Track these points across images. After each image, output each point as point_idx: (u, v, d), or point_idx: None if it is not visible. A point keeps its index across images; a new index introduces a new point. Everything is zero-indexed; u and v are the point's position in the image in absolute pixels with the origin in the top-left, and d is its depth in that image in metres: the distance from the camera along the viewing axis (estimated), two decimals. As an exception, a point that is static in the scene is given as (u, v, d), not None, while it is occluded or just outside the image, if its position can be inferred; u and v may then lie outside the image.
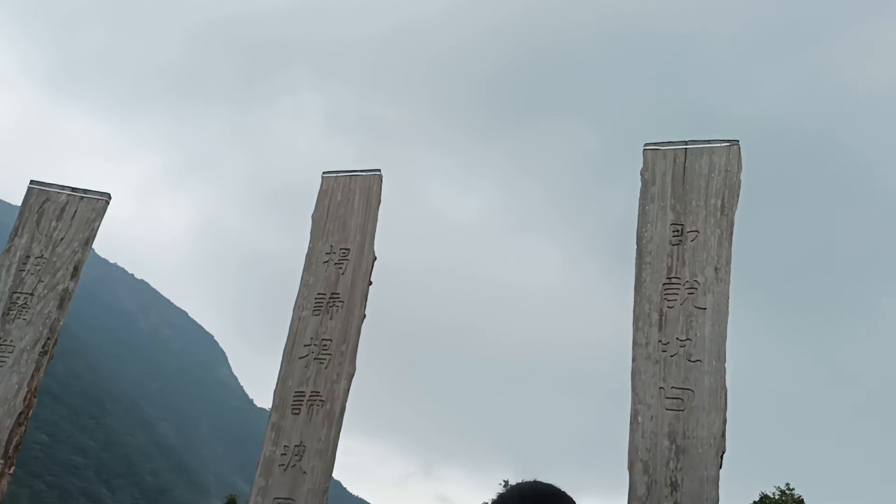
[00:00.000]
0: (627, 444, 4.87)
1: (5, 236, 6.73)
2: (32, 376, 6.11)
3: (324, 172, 6.55)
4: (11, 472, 5.98)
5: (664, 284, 5.18)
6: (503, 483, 29.24)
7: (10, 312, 6.27)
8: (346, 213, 6.31)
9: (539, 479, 2.38)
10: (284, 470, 5.52)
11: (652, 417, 4.85)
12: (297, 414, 5.66)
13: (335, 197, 6.38)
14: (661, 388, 4.90)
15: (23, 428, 6.03)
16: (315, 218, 6.37)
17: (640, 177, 5.57)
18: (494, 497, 2.46)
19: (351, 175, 6.45)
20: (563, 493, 2.30)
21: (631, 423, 4.89)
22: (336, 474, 5.60)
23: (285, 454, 5.56)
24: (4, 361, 6.07)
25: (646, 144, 5.68)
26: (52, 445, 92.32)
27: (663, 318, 5.09)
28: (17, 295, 6.33)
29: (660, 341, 5.03)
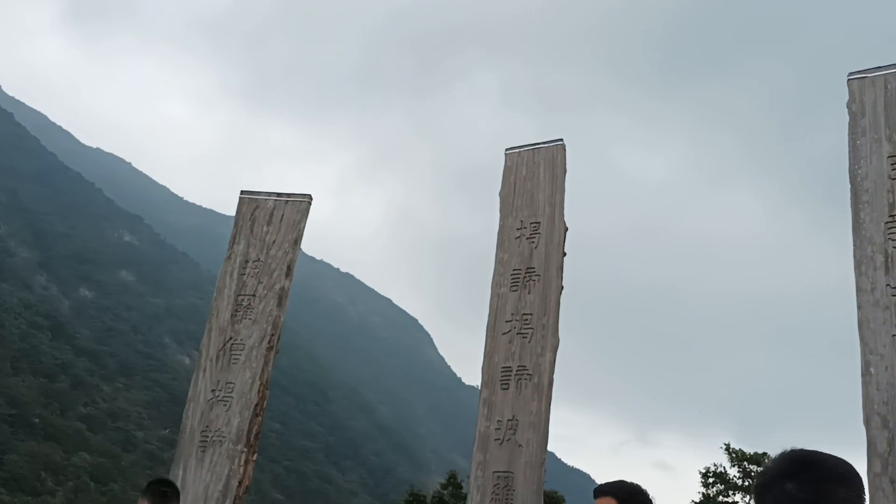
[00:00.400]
0: (861, 397, 4.51)
1: (224, 245, 7.29)
2: (262, 370, 6.62)
3: (506, 149, 6.57)
4: (254, 458, 6.53)
5: (887, 224, 4.74)
6: (724, 447, 28.05)
7: (237, 314, 6.82)
8: (532, 187, 6.30)
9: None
10: (500, 444, 5.63)
11: (886, 368, 4.46)
12: (507, 389, 5.75)
13: (520, 172, 6.39)
14: (893, 335, 4.50)
15: (259, 418, 6.57)
16: (503, 195, 6.41)
17: (846, 110, 5.12)
18: (760, 468, 2.33)
19: (534, 148, 6.42)
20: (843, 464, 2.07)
21: (863, 375, 4.53)
22: (550, 446, 5.64)
23: (499, 429, 5.67)
24: (238, 359, 6.62)
25: (850, 74, 5.20)
26: (284, 433, 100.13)
27: (889, 259, 4.66)
28: (242, 297, 6.87)
29: (888, 285, 4.61)
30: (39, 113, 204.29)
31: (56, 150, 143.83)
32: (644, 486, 3.63)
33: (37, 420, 62.75)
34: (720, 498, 27.41)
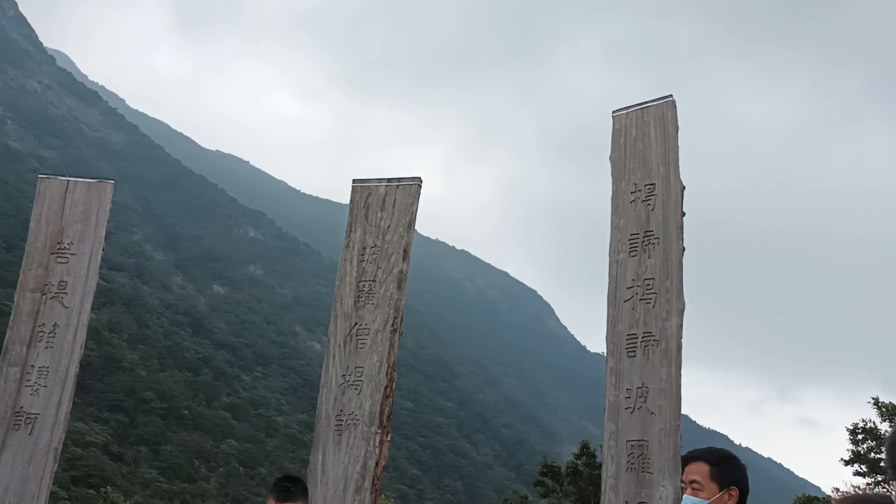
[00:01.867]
0: None
1: (342, 232, 7.46)
2: (389, 353, 6.76)
3: (613, 111, 6.38)
4: (388, 438, 6.69)
5: None
6: (872, 401, 26.60)
7: (360, 300, 6.98)
8: (644, 148, 6.09)
9: None
10: (631, 413, 5.53)
11: None
12: (633, 356, 5.62)
13: (629, 133, 6.19)
14: None
15: (390, 399, 6.72)
16: (613, 159, 6.23)
17: None
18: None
19: (642, 108, 6.20)
20: None
21: None
22: (684, 409, 5.50)
23: (629, 397, 5.56)
24: (364, 343, 6.78)
25: None
26: (415, 410, 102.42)
27: None
28: (363, 283, 7.01)
29: None
30: (161, 122, 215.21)
31: (179, 155, 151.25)
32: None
33: (186, 412, 66.71)
34: (871, 455, 26.08)
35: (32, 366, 6.87)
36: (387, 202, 7.14)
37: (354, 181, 7.45)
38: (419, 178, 7.23)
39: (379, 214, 7.13)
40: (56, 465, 6.76)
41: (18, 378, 6.85)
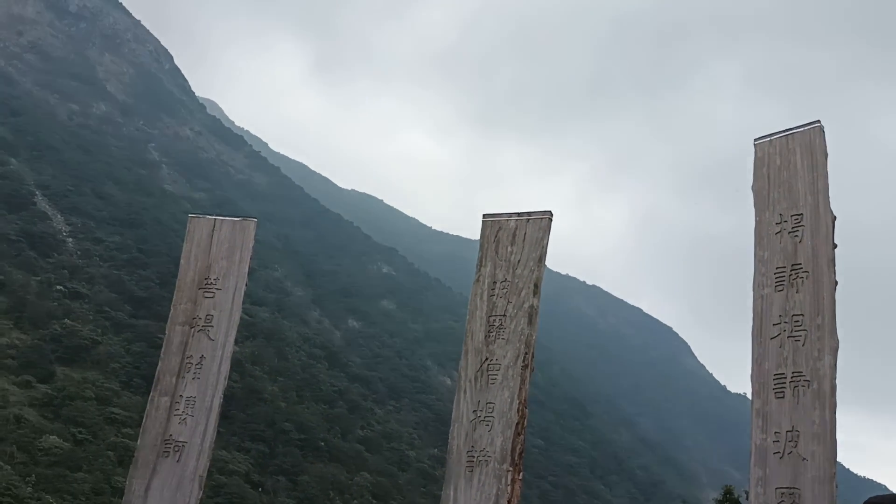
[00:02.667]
0: None
1: (472, 269, 7.46)
2: (520, 389, 6.66)
3: (755, 139, 6.10)
4: (521, 477, 6.56)
5: None
6: None
7: (490, 334, 6.93)
8: (789, 177, 5.78)
9: None
10: (781, 458, 5.18)
11: None
12: (782, 398, 5.28)
13: (773, 162, 5.90)
14: None
15: (521, 437, 6.59)
16: (756, 189, 5.95)
17: None
18: None
19: (787, 135, 5.90)
20: None
21: None
22: (839, 457, 5.10)
23: (778, 441, 5.21)
24: (495, 379, 6.71)
25: None
26: (547, 448, 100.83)
27: None
28: (493, 318, 6.97)
29: None
30: (300, 163, 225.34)
31: (317, 195, 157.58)
32: None
33: (322, 443, 68.47)
34: None
35: (181, 396, 7.21)
36: (517, 236, 7.10)
37: (485, 215, 7.46)
38: (549, 211, 7.15)
39: (509, 249, 7.09)
40: (202, 492, 7.03)
41: (168, 407, 7.21)
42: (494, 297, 7.03)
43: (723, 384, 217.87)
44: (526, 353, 6.75)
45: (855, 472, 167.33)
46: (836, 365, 5.14)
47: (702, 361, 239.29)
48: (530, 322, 6.82)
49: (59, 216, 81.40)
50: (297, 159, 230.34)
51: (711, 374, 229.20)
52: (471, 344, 6.97)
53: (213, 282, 7.57)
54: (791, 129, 5.89)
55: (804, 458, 5.06)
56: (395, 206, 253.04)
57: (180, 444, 7.06)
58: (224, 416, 7.58)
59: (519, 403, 6.64)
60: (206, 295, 7.55)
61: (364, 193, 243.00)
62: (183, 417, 7.14)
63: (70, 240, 78.98)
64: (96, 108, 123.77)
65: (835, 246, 5.42)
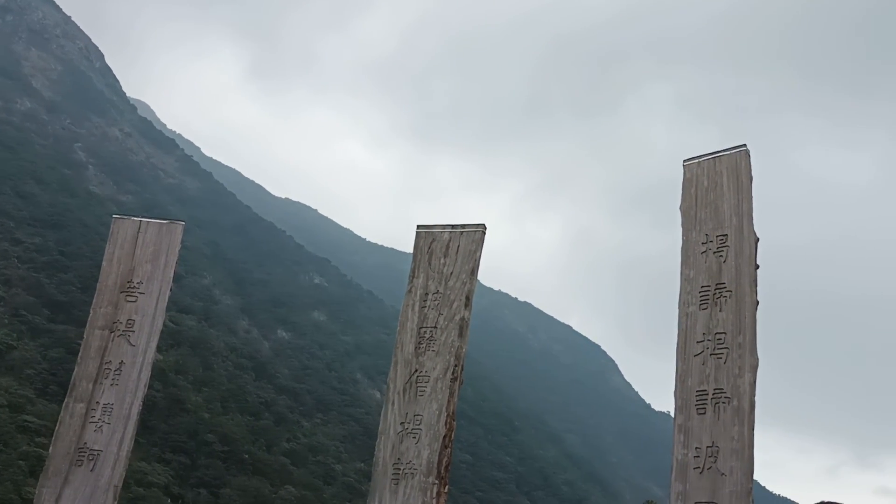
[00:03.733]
0: None
1: (405, 281, 7.42)
2: (449, 401, 6.65)
3: (685, 160, 6.26)
4: (447, 490, 6.54)
5: None
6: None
7: (421, 346, 6.91)
8: (716, 198, 5.95)
9: None
10: (700, 473, 5.28)
11: None
12: (703, 414, 5.40)
13: (701, 183, 6.06)
14: None
15: (448, 450, 6.58)
16: (684, 209, 6.09)
17: None
18: None
19: (714, 157, 6.07)
20: None
21: None
22: (754, 474, 5.22)
23: (698, 456, 5.32)
24: (424, 391, 6.69)
25: None
26: (474, 463, 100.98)
27: None
28: (424, 329, 6.95)
29: None
30: (233, 169, 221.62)
31: (250, 202, 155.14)
32: None
33: (246, 456, 67.11)
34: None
35: (97, 402, 6.97)
36: (450, 248, 7.11)
37: (419, 227, 7.45)
38: (483, 224, 7.18)
39: (442, 260, 7.09)
40: (116, 502, 6.79)
41: (83, 414, 6.96)
42: (426, 309, 7.02)
43: (647, 402, 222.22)
44: (456, 366, 6.75)
45: (770, 489, 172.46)
46: (755, 382, 5.28)
47: (628, 380, 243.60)
48: (461, 334, 6.82)
49: (-25, 215, 78.20)
50: (231, 165, 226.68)
51: (637, 393, 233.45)
52: (400, 355, 6.94)
53: (137, 285, 7.36)
54: (718, 151, 6.06)
55: (723, 473, 5.17)
56: (330, 217, 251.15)
57: (95, 453, 6.82)
58: (144, 426, 7.32)
59: (447, 416, 6.63)
60: (129, 299, 7.33)
61: (298, 202, 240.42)
62: (99, 425, 6.90)
63: (-13, 240, 75.89)
64: (20, 105, 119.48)
65: (757, 267, 5.58)
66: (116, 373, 7.00)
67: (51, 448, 6.99)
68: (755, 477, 5.44)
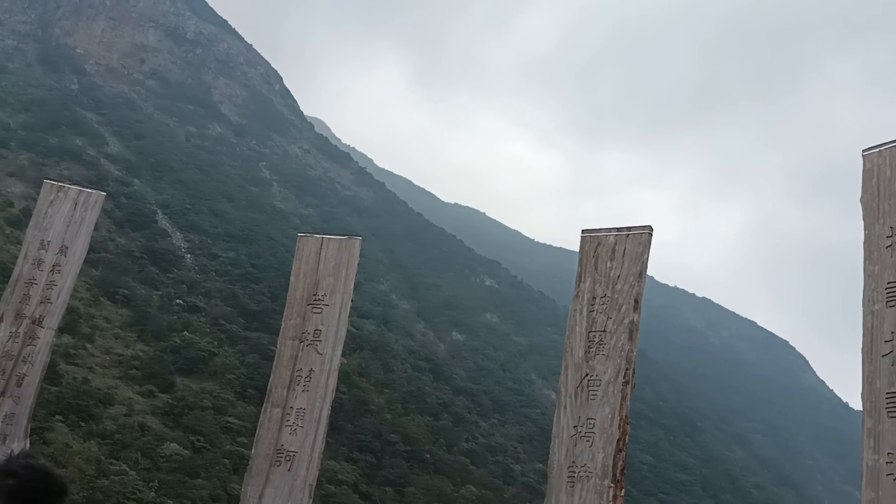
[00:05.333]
0: None
1: (574, 280, 7.47)
2: (621, 405, 6.64)
3: (864, 150, 5.91)
4: (623, 493, 6.54)
5: None
6: None
7: (591, 350, 6.95)
8: (901, 188, 5.58)
9: None
10: (894, 480, 4.99)
11: None
12: (895, 417, 5.09)
13: (883, 173, 5.70)
14: None
15: (623, 453, 6.57)
16: (865, 201, 5.76)
17: None
18: None
19: (896, 145, 5.69)
20: None
21: None
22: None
23: (891, 462, 5.03)
24: (595, 395, 6.72)
25: None
26: (656, 465, 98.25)
27: None
28: (593, 333, 6.99)
29: None
30: (404, 178, 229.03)
31: (421, 209, 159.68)
32: None
33: (427, 455, 69.06)
34: None
35: (291, 407, 7.55)
36: (616, 252, 7.09)
37: (583, 231, 7.48)
38: (650, 226, 7.12)
39: (609, 264, 7.09)
40: (311, 500, 7.33)
41: (280, 418, 7.57)
42: (594, 313, 7.04)
43: (845, 401, 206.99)
44: (626, 370, 6.73)
45: None
46: (953, 384, 4.93)
47: (821, 377, 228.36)
48: (630, 338, 6.80)
49: (178, 233, 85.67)
50: (401, 174, 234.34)
51: (832, 390, 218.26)
52: (570, 359, 7.01)
53: (321, 298, 7.90)
54: (902, 138, 5.69)
55: (919, 481, 4.87)
56: (498, 219, 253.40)
57: (291, 454, 7.39)
58: (332, 427, 7.86)
59: (620, 420, 6.63)
60: (315, 311, 7.88)
61: (466, 207, 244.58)
62: (293, 428, 7.47)
63: (188, 256, 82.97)
64: (212, 130, 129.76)
65: (951, 260, 5.20)
66: (307, 380, 7.56)
67: (252, 449, 7.66)
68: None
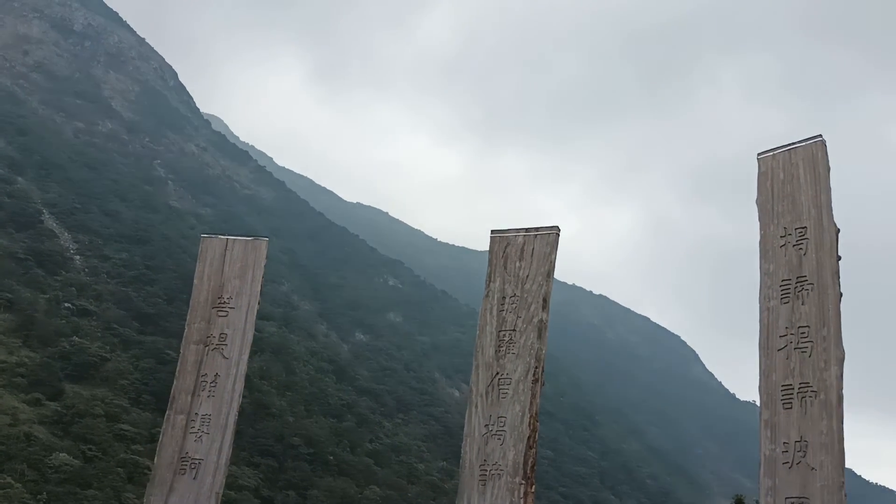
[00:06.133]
0: None
1: (478, 279, 7.56)
2: (531, 403, 6.75)
3: (758, 154, 6.20)
4: (533, 490, 6.65)
5: None
6: None
7: (501, 349, 7.04)
8: (793, 191, 5.89)
9: None
10: (790, 468, 5.26)
11: None
12: (790, 408, 5.37)
13: (777, 176, 6.00)
14: None
15: (534, 450, 6.68)
16: (760, 202, 6.05)
17: None
18: None
19: (789, 149, 6.01)
20: None
21: None
22: (848, 463, 5.17)
23: (787, 451, 5.29)
24: (506, 394, 6.81)
25: None
26: (556, 459, 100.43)
27: None
28: (503, 332, 7.08)
29: None
30: (305, 177, 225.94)
31: (323, 209, 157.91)
32: None
33: (331, 457, 68.37)
34: None
35: (196, 413, 7.33)
36: (525, 252, 7.20)
37: (493, 231, 7.57)
38: (557, 227, 7.26)
39: (518, 264, 7.19)
40: (217, 508, 7.13)
41: (184, 425, 7.33)
42: (504, 312, 7.13)
43: (732, 392, 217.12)
44: (536, 368, 6.84)
45: (866, 478, 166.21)
46: (842, 375, 5.23)
47: (710, 370, 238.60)
48: (540, 336, 6.91)
49: (66, 234, 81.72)
50: (302, 173, 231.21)
51: (721, 383, 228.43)
52: (481, 359, 7.06)
53: (227, 301, 7.69)
54: (793, 143, 5.99)
55: (813, 468, 5.13)
56: (400, 219, 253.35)
57: (196, 462, 7.17)
58: (235, 432, 7.68)
59: (530, 417, 6.73)
60: (220, 314, 7.67)
61: (369, 206, 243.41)
62: (199, 435, 7.25)
63: (77, 257, 79.26)
64: (102, 126, 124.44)
65: (839, 258, 5.51)
66: (213, 385, 7.35)
67: (155, 458, 7.39)
68: (850, 466, 5.38)
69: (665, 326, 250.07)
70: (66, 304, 68.06)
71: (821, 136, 5.86)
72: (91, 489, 46.43)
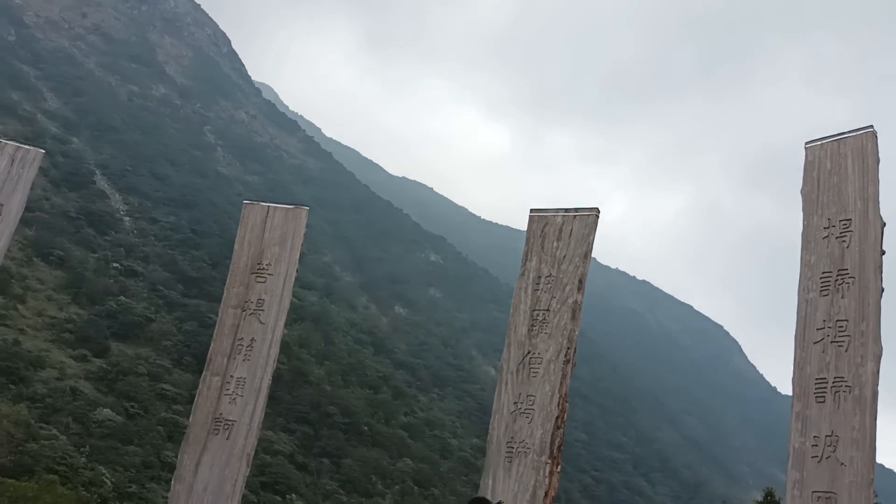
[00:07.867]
0: None
1: (520, 259, 7.53)
2: (561, 383, 6.76)
3: (806, 143, 6.07)
4: (559, 469, 6.67)
5: None
6: None
7: (534, 328, 7.04)
8: (839, 182, 5.76)
9: None
10: (819, 462, 5.19)
11: None
12: (823, 402, 5.29)
13: (823, 166, 5.87)
14: None
15: (561, 430, 6.70)
16: (805, 192, 5.93)
17: None
18: None
19: (838, 139, 5.86)
20: None
21: None
22: (881, 460, 5.10)
23: (816, 445, 5.23)
24: (537, 372, 6.82)
25: None
26: (590, 443, 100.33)
27: None
28: (537, 312, 7.07)
29: None
30: (352, 149, 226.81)
31: (368, 181, 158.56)
32: None
33: (366, 428, 69.24)
34: None
35: (231, 376, 7.48)
36: (563, 232, 7.17)
37: (531, 211, 7.54)
38: (596, 208, 7.21)
39: (555, 244, 7.16)
40: (248, 469, 7.29)
41: (219, 387, 7.49)
42: (539, 292, 7.12)
43: (773, 385, 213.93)
44: (568, 349, 6.84)
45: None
46: (878, 372, 5.13)
47: (753, 362, 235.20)
48: (573, 318, 6.90)
49: (117, 195, 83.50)
50: (349, 145, 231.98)
51: (762, 375, 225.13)
52: (514, 337, 7.08)
53: (265, 267, 7.81)
54: (843, 133, 5.85)
55: (842, 463, 5.07)
56: (445, 195, 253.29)
57: (230, 423, 7.33)
58: (270, 397, 7.85)
59: (559, 397, 6.74)
60: (258, 280, 7.80)
61: (414, 181, 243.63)
62: (233, 397, 7.41)
63: (127, 219, 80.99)
64: (155, 90, 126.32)
65: (883, 252, 5.39)
66: (248, 349, 7.49)
67: (190, 417, 7.57)
68: (886, 464, 5.31)
69: (708, 315, 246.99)
70: (115, 264, 69.70)
71: (871, 126, 5.71)
72: (132, 445, 47.77)
